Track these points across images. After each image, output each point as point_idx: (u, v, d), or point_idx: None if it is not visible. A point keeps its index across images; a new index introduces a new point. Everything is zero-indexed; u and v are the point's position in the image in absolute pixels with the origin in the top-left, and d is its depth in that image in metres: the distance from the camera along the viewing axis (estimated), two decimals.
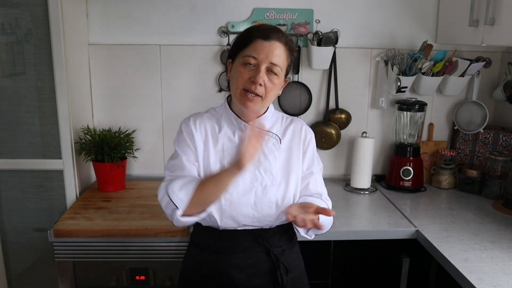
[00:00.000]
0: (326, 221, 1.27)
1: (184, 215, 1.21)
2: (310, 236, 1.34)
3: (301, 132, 1.37)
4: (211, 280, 1.32)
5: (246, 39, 1.25)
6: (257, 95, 1.24)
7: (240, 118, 1.32)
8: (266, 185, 1.29)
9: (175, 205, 1.20)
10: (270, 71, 1.24)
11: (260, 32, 1.24)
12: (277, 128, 1.36)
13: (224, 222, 1.30)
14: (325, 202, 1.35)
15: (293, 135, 1.37)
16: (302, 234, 1.32)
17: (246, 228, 1.31)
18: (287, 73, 1.31)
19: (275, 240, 1.33)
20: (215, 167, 1.30)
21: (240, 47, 1.26)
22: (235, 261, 1.31)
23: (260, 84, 1.22)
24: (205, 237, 1.33)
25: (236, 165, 1.15)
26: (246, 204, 1.28)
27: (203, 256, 1.34)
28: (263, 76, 1.22)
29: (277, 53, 1.23)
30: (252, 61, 1.23)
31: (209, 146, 1.31)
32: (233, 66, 1.28)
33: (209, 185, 1.21)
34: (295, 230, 1.39)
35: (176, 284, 1.65)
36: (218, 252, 1.32)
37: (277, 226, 1.34)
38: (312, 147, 1.39)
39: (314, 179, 1.37)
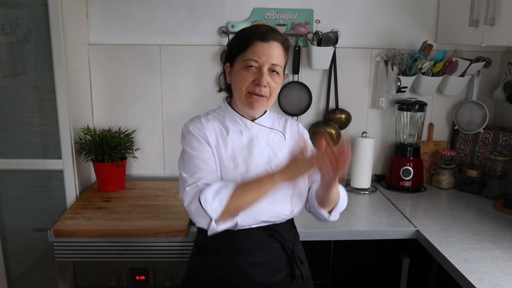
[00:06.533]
0: (342, 194, 1.34)
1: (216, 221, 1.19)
2: (336, 216, 1.36)
3: (298, 132, 1.42)
4: (229, 283, 1.29)
5: (244, 42, 1.26)
6: (262, 96, 1.26)
7: (245, 117, 1.34)
8: None
9: (209, 215, 1.17)
10: (272, 71, 1.26)
11: (258, 34, 1.25)
12: (277, 127, 1.40)
13: (244, 219, 1.25)
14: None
15: (291, 134, 1.40)
16: (326, 217, 1.35)
17: (261, 225, 1.30)
18: (284, 70, 1.34)
19: (287, 234, 1.35)
20: (229, 165, 1.28)
21: (239, 51, 1.27)
22: (253, 259, 1.29)
23: (265, 86, 1.25)
24: (217, 240, 1.26)
25: (284, 173, 1.18)
26: (265, 199, 1.23)
27: (216, 259, 1.31)
28: (266, 78, 1.24)
29: (276, 53, 1.25)
30: (254, 64, 1.24)
31: (220, 147, 1.30)
32: (234, 70, 1.29)
33: (248, 193, 1.19)
34: (321, 213, 1.35)
35: (176, 284, 1.66)
36: (234, 253, 1.29)
37: (287, 220, 1.36)
38: (311, 146, 1.37)
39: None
